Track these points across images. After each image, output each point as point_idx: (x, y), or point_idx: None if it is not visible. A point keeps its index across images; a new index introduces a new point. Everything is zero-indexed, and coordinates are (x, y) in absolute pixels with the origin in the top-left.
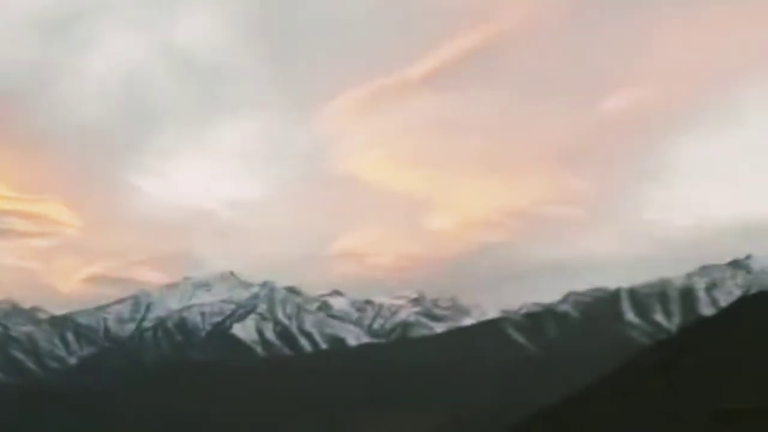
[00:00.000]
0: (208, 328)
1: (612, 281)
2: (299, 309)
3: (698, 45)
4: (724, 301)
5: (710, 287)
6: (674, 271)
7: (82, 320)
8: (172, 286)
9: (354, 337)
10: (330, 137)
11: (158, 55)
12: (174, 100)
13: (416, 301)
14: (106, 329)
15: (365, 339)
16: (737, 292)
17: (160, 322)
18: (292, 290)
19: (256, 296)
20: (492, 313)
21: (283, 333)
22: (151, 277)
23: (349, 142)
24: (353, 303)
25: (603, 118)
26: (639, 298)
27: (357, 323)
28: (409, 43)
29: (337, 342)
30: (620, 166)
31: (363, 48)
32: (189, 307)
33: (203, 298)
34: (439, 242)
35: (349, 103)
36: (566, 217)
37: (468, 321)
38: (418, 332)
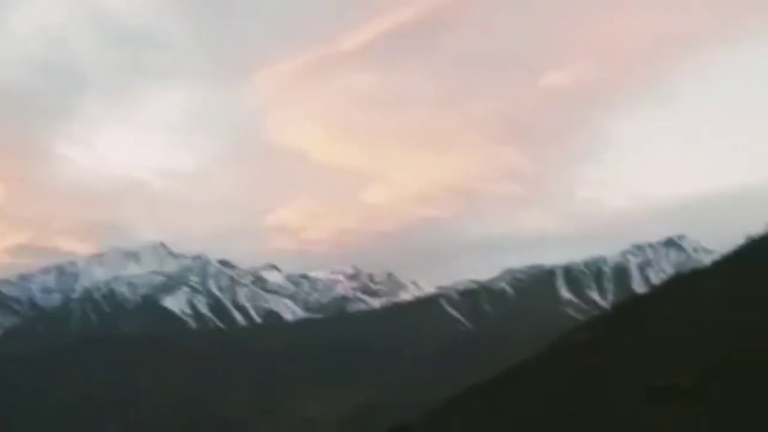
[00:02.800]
0: (137, 299)
1: (547, 258)
2: (233, 282)
3: (635, 24)
4: (656, 279)
5: (644, 265)
6: (608, 249)
7: (6, 290)
8: (99, 256)
9: (290, 312)
10: (265, 108)
11: (82, 18)
12: (100, 66)
13: (353, 277)
14: (31, 299)
15: (301, 314)
16: (670, 271)
17: (88, 293)
18: (226, 263)
19: (187, 268)
20: (428, 289)
21: (216, 306)
22: (78, 247)
23: (285, 113)
24: (289, 277)
25: (540, 95)
26: (574, 275)
27: (293, 297)
28: (345, 14)
29: (272, 316)
30: (557, 144)
31: (297, 17)
32: (117, 278)
33: (132, 269)
34: (375, 216)
35: (285, 73)
36: (503, 193)
37: (404, 296)
38: (354, 307)
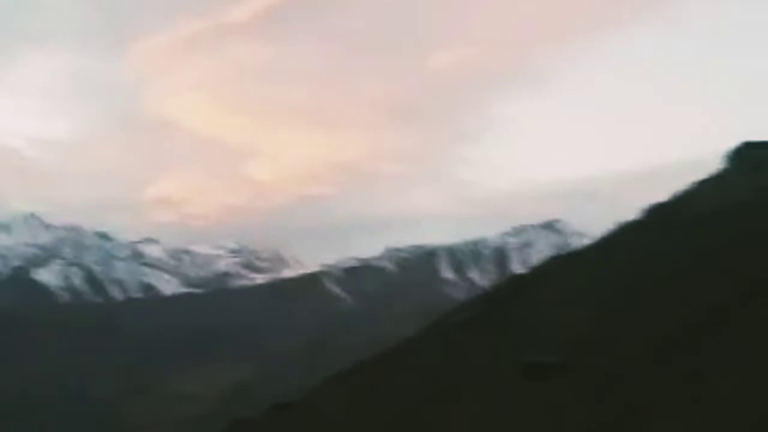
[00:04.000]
0: (8, 272)
1: (431, 238)
2: (109, 255)
3: (522, 10)
4: (535, 261)
5: (523, 247)
6: (489, 230)
7: None
8: None
9: (169, 287)
10: (146, 77)
11: None
12: None
13: (236, 252)
14: None
15: (182, 289)
16: (548, 253)
17: None
18: (102, 235)
19: (61, 240)
20: (312, 266)
21: (92, 279)
22: None
23: (167, 83)
24: (168, 251)
25: (429, 75)
26: (455, 255)
27: (173, 272)
28: None
29: (150, 290)
30: (443, 125)
31: None
32: None
33: (1, 240)
34: (260, 192)
35: (170, 42)
36: (388, 173)
37: (288, 273)
38: (236, 283)
